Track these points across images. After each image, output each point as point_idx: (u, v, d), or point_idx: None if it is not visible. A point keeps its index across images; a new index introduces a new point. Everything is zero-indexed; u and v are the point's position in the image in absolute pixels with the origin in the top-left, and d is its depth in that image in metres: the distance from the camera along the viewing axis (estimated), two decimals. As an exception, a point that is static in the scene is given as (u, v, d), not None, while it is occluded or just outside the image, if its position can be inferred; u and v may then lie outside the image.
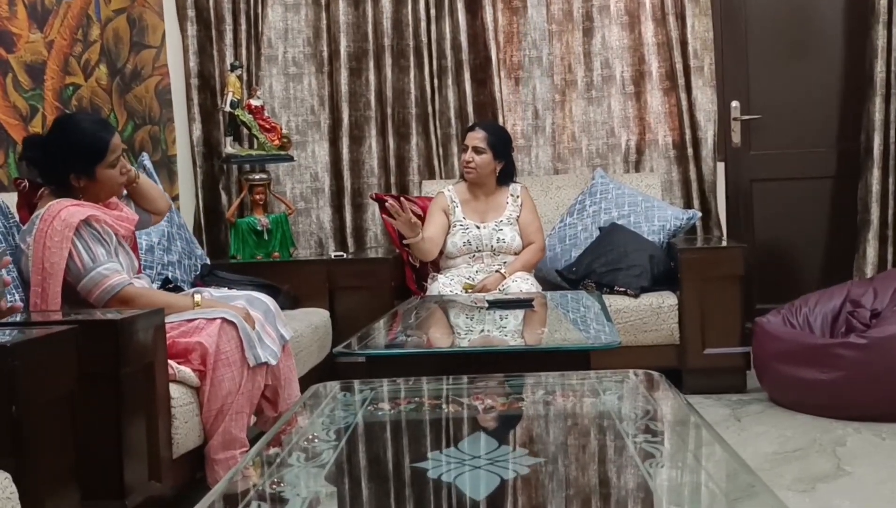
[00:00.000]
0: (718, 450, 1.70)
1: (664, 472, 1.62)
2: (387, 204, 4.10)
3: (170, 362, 2.62)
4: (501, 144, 4.21)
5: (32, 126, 3.48)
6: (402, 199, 4.17)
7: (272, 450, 1.76)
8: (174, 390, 2.60)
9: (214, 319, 2.73)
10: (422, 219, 4.19)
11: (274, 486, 1.56)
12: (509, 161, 4.28)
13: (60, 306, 2.69)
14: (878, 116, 4.72)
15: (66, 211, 2.71)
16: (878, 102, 4.72)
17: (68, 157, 2.79)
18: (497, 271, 4.05)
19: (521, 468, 1.55)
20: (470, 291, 3.93)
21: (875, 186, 4.75)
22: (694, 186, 4.88)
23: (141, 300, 2.76)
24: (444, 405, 2.04)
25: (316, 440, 1.79)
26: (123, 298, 2.76)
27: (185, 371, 2.66)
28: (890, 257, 4.77)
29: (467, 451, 1.64)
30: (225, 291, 3.23)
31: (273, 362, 2.89)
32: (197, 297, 2.90)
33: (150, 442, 2.44)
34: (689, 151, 4.85)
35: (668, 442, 1.81)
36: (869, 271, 4.71)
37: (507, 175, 4.28)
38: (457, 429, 1.90)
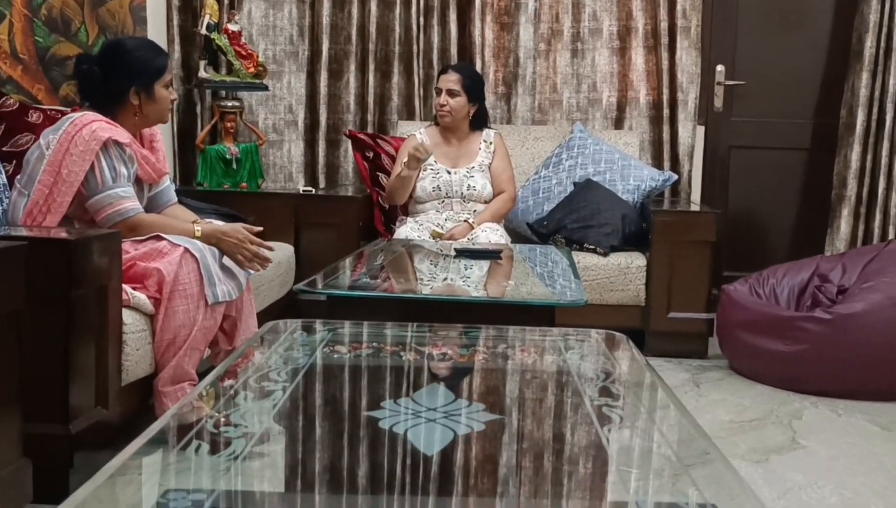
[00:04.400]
0: (677, 416, 1.67)
1: (621, 434, 1.60)
2: (419, 144, 3.93)
3: (125, 286, 2.54)
4: (476, 87, 4.13)
5: (-2, 33, 3.35)
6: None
7: (224, 384, 1.71)
8: (127, 316, 2.53)
9: (179, 245, 2.66)
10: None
11: (221, 423, 1.50)
12: (483, 104, 4.20)
13: (63, 215, 2.68)
14: (863, 92, 4.68)
15: (98, 124, 2.71)
16: (866, 78, 4.68)
17: (132, 71, 2.82)
18: (465, 221, 3.99)
19: (477, 423, 1.51)
20: (438, 239, 3.87)
21: (854, 162, 4.73)
22: (669, 147, 4.84)
23: (149, 230, 2.74)
24: (403, 353, 2.00)
25: (268, 379, 1.74)
26: (132, 224, 2.73)
27: (140, 297, 2.59)
28: (861, 233, 4.77)
29: (423, 402, 1.59)
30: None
31: (235, 295, 2.82)
32: (197, 231, 2.82)
33: (99, 368, 2.39)
34: (666, 111, 4.80)
35: (627, 405, 1.78)
36: (841, 246, 4.72)
37: (480, 119, 4.20)
38: (414, 378, 1.86)
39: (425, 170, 4.09)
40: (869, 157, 4.75)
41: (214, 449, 1.41)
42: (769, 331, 3.62)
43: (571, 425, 1.66)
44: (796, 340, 3.52)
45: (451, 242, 3.76)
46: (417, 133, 4.23)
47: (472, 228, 3.94)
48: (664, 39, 4.76)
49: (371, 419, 1.52)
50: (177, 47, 4.74)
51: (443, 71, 4.20)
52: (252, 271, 2.98)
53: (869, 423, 3.19)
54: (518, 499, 1.33)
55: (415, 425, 1.49)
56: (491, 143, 4.18)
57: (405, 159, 3.90)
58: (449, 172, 4.09)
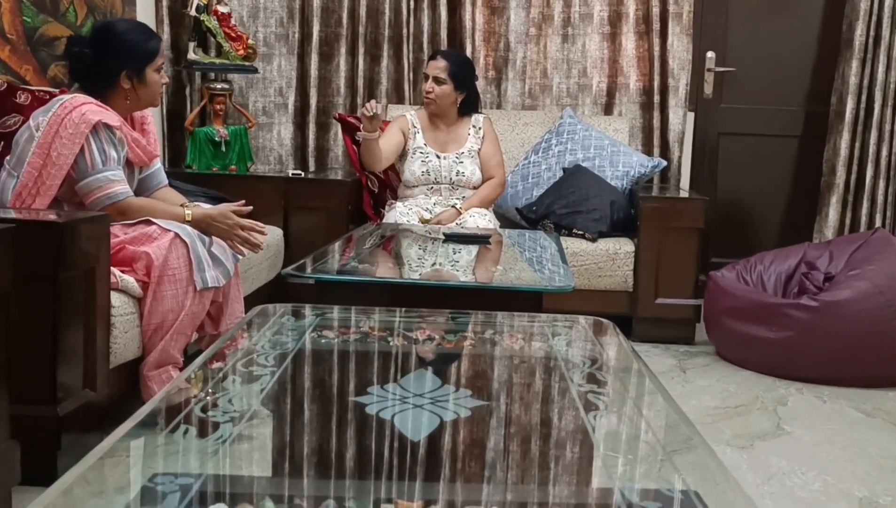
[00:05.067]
0: (662, 403, 1.69)
1: (606, 421, 1.61)
2: (367, 104, 3.79)
3: (113, 269, 2.54)
4: (463, 74, 4.09)
5: (-15, 12, 3.33)
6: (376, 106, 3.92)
7: (212, 368, 1.71)
8: (116, 298, 2.53)
9: (169, 230, 2.66)
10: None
11: (209, 407, 1.51)
12: (472, 91, 4.17)
13: (53, 198, 2.67)
14: (853, 80, 4.70)
15: (88, 107, 2.70)
16: (856, 66, 4.69)
17: (123, 54, 2.82)
18: (453, 207, 3.98)
19: (463, 409, 1.52)
20: (426, 225, 3.88)
21: (843, 150, 4.75)
22: (660, 134, 4.84)
23: (139, 214, 2.73)
24: (390, 338, 2.00)
25: (256, 363, 1.75)
26: (121, 208, 2.72)
27: (129, 281, 2.59)
28: (848, 221, 4.80)
29: (410, 388, 1.60)
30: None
31: (222, 281, 2.82)
32: (187, 214, 2.82)
33: (87, 350, 2.39)
34: (657, 98, 4.80)
35: (613, 391, 1.79)
36: (829, 233, 4.75)
37: (469, 106, 4.17)
38: (401, 364, 1.86)
39: (415, 154, 4.08)
40: (857, 144, 4.76)
41: (202, 433, 1.42)
42: (756, 318, 3.64)
43: (557, 411, 1.67)
44: (782, 326, 3.54)
45: (439, 226, 3.76)
46: (408, 114, 4.21)
47: (460, 213, 3.94)
48: (655, 25, 4.75)
49: (358, 404, 1.53)
50: (166, 28, 4.71)
51: (431, 57, 4.17)
52: (241, 256, 2.98)
53: (853, 410, 3.21)
54: (504, 485, 1.34)
55: (401, 410, 1.49)
56: (480, 128, 4.17)
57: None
58: (438, 157, 4.08)
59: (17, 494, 2.12)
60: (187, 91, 4.89)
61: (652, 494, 1.28)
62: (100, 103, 2.76)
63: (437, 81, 4.03)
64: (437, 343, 1.98)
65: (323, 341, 1.98)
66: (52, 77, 3.71)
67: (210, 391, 1.59)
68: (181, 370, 2.71)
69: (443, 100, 4.05)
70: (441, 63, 4.04)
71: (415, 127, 4.13)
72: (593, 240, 4.06)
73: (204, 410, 1.49)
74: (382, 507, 1.12)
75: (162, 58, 2.91)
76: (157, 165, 3.06)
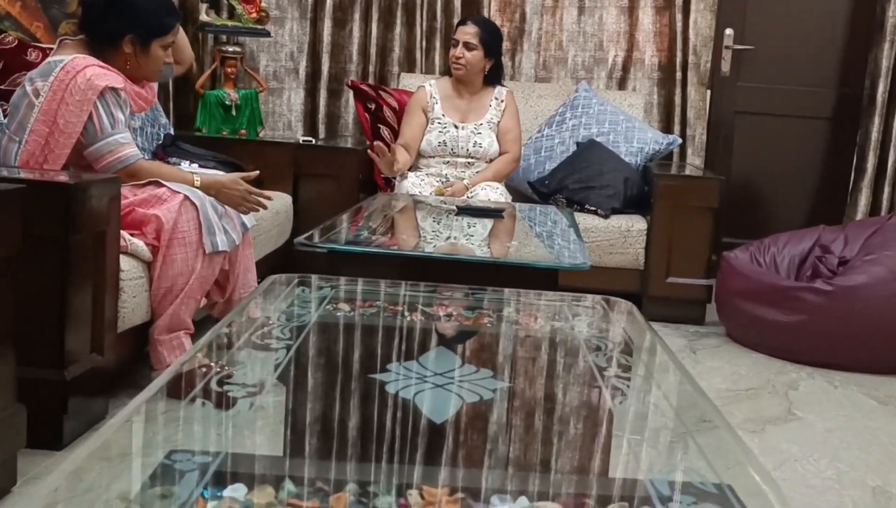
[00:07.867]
0: (686, 386, 1.65)
1: (630, 404, 1.58)
2: (374, 144, 3.73)
3: (123, 232, 2.50)
4: (493, 41, 4.03)
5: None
6: (389, 143, 3.89)
7: (223, 342, 1.68)
8: (125, 262, 2.49)
9: (178, 193, 2.61)
10: (394, 135, 4.01)
11: (223, 381, 1.47)
12: (498, 60, 4.12)
13: (62, 166, 2.61)
14: (884, 63, 4.64)
15: (93, 70, 2.62)
16: (887, 49, 4.64)
17: (134, 19, 2.73)
18: (462, 182, 3.94)
19: (486, 391, 1.48)
20: (440, 195, 3.84)
21: (874, 134, 4.69)
22: (675, 110, 4.78)
23: (149, 176, 2.69)
24: (406, 313, 1.96)
25: (271, 336, 1.71)
26: (132, 171, 2.67)
27: (138, 244, 2.55)
28: (870, 204, 4.76)
29: (429, 367, 1.56)
30: (189, 165, 3.12)
31: (229, 249, 2.78)
32: (196, 180, 2.78)
33: (95, 314, 2.36)
34: (679, 74, 4.73)
35: (636, 374, 1.76)
36: (859, 218, 4.69)
37: (495, 75, 4.12)
38: (418, 340, 1.83)
39: (433, 123, 4.03)
40: (881, 129, 4.71)
41: (219, 408, 1.38)
42: (768, 300, 3.60)
43: (583, 394, 1.64)
44: (795, 310, 3.50)
45: (453, 198, 3.72)
46: (427, 85, 4.14)
47: (467, 189, 3.90)
48: (678, 1, 4.68)
49: (379, 382, 1.50)
50: (177, -12, 4.65)
51: (461, 23, 4.10)
52: (250, 224, 2.95)
53: (865, 396, 3.18)
54: (519, 469, 1.31)
55: (423, 390, 1.46)
56: (502, 101, 4.10)
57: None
58: (456, 127, 4.03)
59: (23, 457, 2.10)
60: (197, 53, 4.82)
61: (683, 486, 1.25)
62: (102, 64, 2.68)
63: (468, 46, 3.97)
64: (455, 320, 1.95)
65: (339, 313, 1.95)
66: (62, 35, 3.65)
67: (225, 364, 1.55)
68: (192, 336, 2.68)
69: (473, 66, 3.99)
70: (472, 29, 3.98)
71: (433, 98, 4.07)
72: (606, 216, 4.02)
73: (220, 384, 1.45)
74: (407, 493, 1.08)
75: (173, 37, 2.83)
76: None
